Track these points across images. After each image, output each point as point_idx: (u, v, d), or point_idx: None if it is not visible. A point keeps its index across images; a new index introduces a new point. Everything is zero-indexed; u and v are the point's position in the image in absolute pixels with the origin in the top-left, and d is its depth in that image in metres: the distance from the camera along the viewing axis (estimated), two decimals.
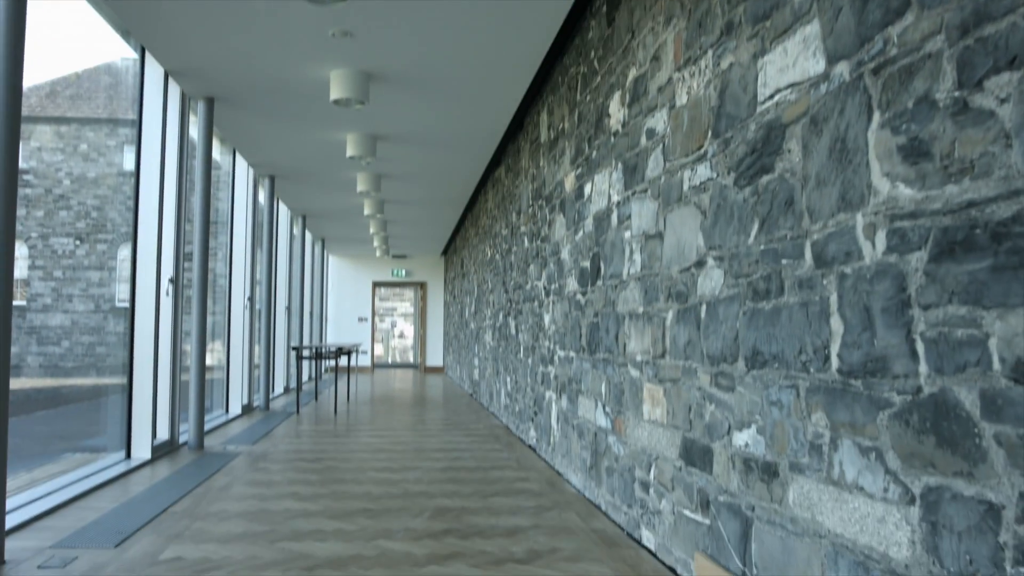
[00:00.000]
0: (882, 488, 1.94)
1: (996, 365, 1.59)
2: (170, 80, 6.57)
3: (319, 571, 3.38)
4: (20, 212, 17.79)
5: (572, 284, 5.38)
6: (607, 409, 4.46)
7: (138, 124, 6.38)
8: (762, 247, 2.61)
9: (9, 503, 4.26)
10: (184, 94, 6.88)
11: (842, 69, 2.15)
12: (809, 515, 2.29)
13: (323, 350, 11.36)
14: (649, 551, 3.70)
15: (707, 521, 3.04)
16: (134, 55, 6.38)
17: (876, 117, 1.99)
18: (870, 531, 1.99)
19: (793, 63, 2.42)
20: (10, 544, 3.75)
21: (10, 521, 4.04)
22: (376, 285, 21.62)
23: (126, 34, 5.98)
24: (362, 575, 3.33)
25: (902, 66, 1.89)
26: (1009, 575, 1.55)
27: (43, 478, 5.44)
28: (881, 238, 1.96)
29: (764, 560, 2.57)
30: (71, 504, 4.65)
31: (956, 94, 1.71)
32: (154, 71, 6.40)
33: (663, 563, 3.51)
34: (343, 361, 20.64)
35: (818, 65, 2.27)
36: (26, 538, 3.89)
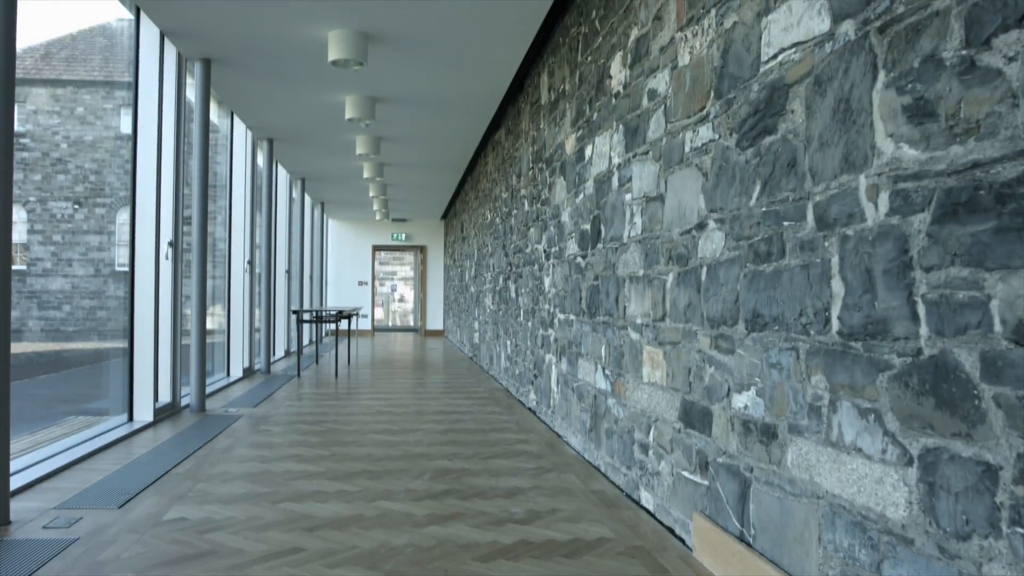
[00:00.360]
0: (880, 449, 1.95)
1: (997, 327, 1.58)
2: (166, 41, 6.49)
3: (321, 531, 3.42)
4: (18, 176, 17.69)
5: (572, 247, 5.37)
6: (607, 372, 4.48)
7: (134, 86, 6.31)
8: (764, 209, 2.59)
9: (13, 465, 4.30)
10: (180, 55, 6.80)
11: (847, 28, 2.11)
12: (807, 476, 2.31)
13: (323, 314, 11.38)
14: (648, 512, 3.74)
15: (706, 482, 3.06)
16: (129, 16, 6.29)
17: (881, 77, 1.96)
18: (868, 492, 2.01)
19: (797, 22, 2.38)
20: (15, 505, 3.79)
21: (14, 483, 4.07)
22: (376, 249, 21.59)
23: None
24: (363, 535, 3.37)
25: (909, 24, 1.86)
26: (1005, 535, 1.56)
27: (46, 441, 5.48)
28: (884, 199, 1.94)
29: (762, 520, 2.60)
30: (75, 466, 4.69)
31: (963, 53, 1.68)
32: (149, 32, 6.32)
33: (662, 523, 3.55)
34: (343, 325, 20.70)
35: (823, 24, 2.24)
36: (31, 499, 3.93)
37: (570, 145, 5.50)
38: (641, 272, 3.87)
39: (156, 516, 3.65)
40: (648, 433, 3.75)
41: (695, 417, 3.17)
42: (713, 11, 3.02)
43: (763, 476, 2.58)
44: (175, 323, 6.61)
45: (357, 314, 12.65)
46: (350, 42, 6.10)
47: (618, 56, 4.32)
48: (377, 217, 19.79)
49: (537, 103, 6.90)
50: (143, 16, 6.17)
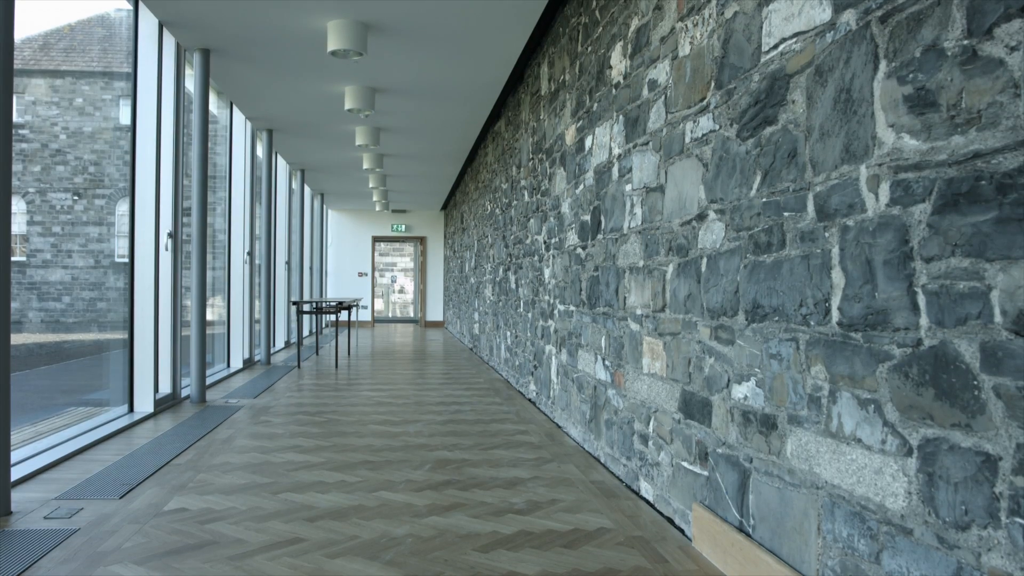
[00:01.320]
0: (880, 440, 1.95)
1: (997, 318, 1.58)
2: (165, 31, 6.47)
3: (321, 522, 3.43)
4: (17, 167, 17.65)
5: (572, 238, 5.37)
6: (607, 363, 4.48)
7: (133, 77, 6.29)
8: (764, 199, 2.59)
9: (14, 455, 4.31)
10: (179, 46, 6.77)
11: (848, 17, 2.10)
12: (807, 467, 2.31)
13: (323, 305, 11.38)
14: (647, 502, 3.75)
15: (705, 473, 3.07)
16: (127, 6, 6.27)
17: (882, 67, 1.96)
18: (867, 482, 2.01)
19: (799, 11, 2.37)
20: (16, 495, 3.80)
21: (15, 473, 4.08)
22: (376, 240, 21.57)
23: None
24: (364, 525, 3.38)
25: (910, 14, 1.85)
26: (1004, 525, 1.56)
27: (47, 431, 5.49)
28: (884, 190, 1.94)
29: (761, 511, 2.61)
30: (75, 456, 4.70)
31: (965, 42, 1.68)
32: (148, 22, 6.30)
33: (661, 514, 3.56)
34: (343, 316, 20.71)
35: (824, 13, 2.23)
36: (32, 490, 3.94)
37: (570, 136, 5.49)
38: (641, 263, 3.87)
39: (157, 506, 3.65)
40: (648, 424, 3.76)
41: (695, 408, 3.18)
42: (714, 1, 3.01)
43: (762, 466, 2.59)
44: (175, 314, 6.61)
45: (357, 305, 12.65)
46: (349, 32, 6.08)
47: (618, 46, 4.30)
48: (377, 208, 19.76)
49: (537, 93, 6.88)
50: (142, 6, 6.15)
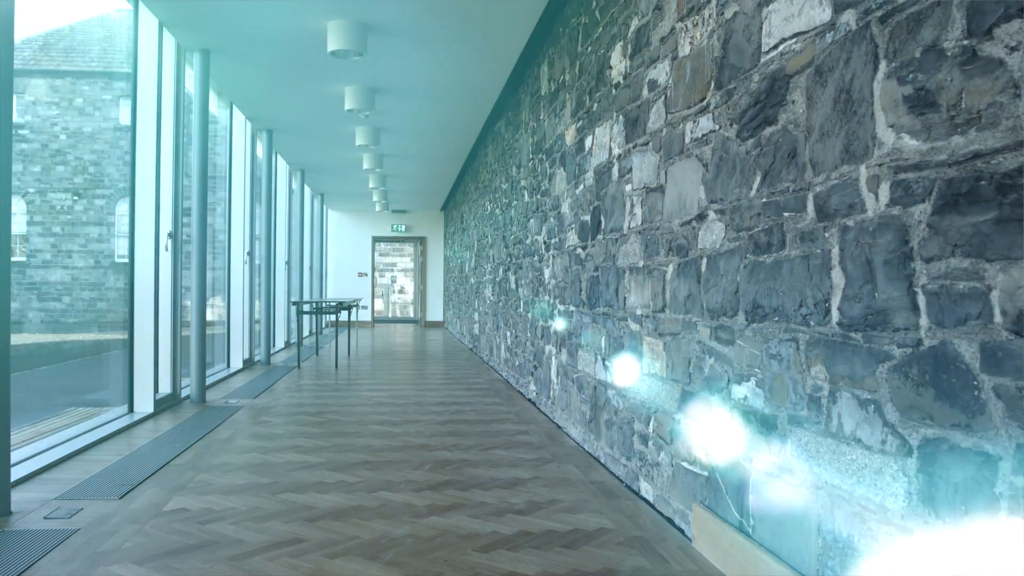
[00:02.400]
0: (880, 440, 1.95)
1: (997, 318, 1.58)
2: (165, 31, 6.46)
3: (321, 522, 3.42)
4: (17, 167, 17.66)
5: (572, 238, 5.37)
6: (607, 363, 4.48)
7: (133, 77, 6.29)
8: (764, 200, 2.59)
9: (14, 456, 4.30)
10: (179, 46, 6.77)
11: (848, 17, 2.10)
12: (807, 467, 2.31)
13: (323, 305, 11.38)
14: (647, 502, 3.75)
15: (705, 473, 3.07)
16: (128, 6, 6.26)
17: (882, 67, 1.96)
18: (867, 482, 2.01)
19: (799, 12, 2.37)
20: (16, 496, 3.79)
21: (15, 473, 4.08)
22: (376, 240, 21.57)
23: None
24: (364, 526, 3.38)
25: (910, 14, 1.85)
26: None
27: (47, 432, 5.48)
28: (884, 190, 1.94)
29: (761, 511, 2.60)
30: (75, 457, 4.70)
31: (965, 42, 1.68)
32: (148, 22, 6.29)
33: (661, 514, 3.56)
34: (343, 316, 20.71)
35: (824, 13, 2.23)
36: (31, 490, 3.94)
37: (570, 136, 5.49)
38: (641, 263, 3.86)
39: (157, 507, 3.65)
40: (648, 424, 3.76)
41: (695, 408, 3.18)
42: (713, 1, 3.01)
43: (762, 467, 2.59)
44: (175, 314, 6.61)
45: (357, 305, 12.65)
46: (350, 32, 6.08)
47: (618, 46, 4.30)
48: (377, 208, 19.76)
49: (537, 94, 6.88)
50: (142, 6, 6.15)
